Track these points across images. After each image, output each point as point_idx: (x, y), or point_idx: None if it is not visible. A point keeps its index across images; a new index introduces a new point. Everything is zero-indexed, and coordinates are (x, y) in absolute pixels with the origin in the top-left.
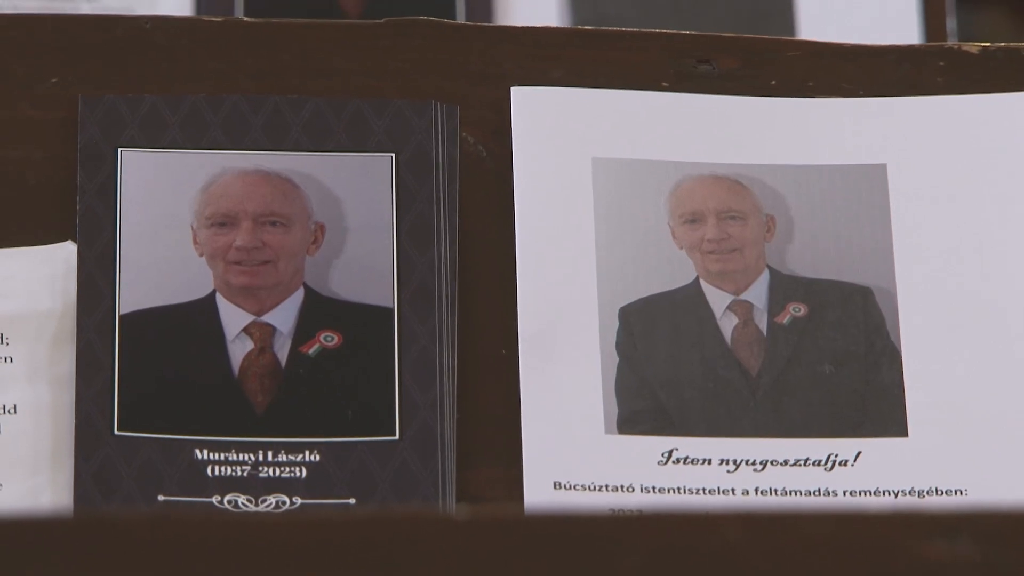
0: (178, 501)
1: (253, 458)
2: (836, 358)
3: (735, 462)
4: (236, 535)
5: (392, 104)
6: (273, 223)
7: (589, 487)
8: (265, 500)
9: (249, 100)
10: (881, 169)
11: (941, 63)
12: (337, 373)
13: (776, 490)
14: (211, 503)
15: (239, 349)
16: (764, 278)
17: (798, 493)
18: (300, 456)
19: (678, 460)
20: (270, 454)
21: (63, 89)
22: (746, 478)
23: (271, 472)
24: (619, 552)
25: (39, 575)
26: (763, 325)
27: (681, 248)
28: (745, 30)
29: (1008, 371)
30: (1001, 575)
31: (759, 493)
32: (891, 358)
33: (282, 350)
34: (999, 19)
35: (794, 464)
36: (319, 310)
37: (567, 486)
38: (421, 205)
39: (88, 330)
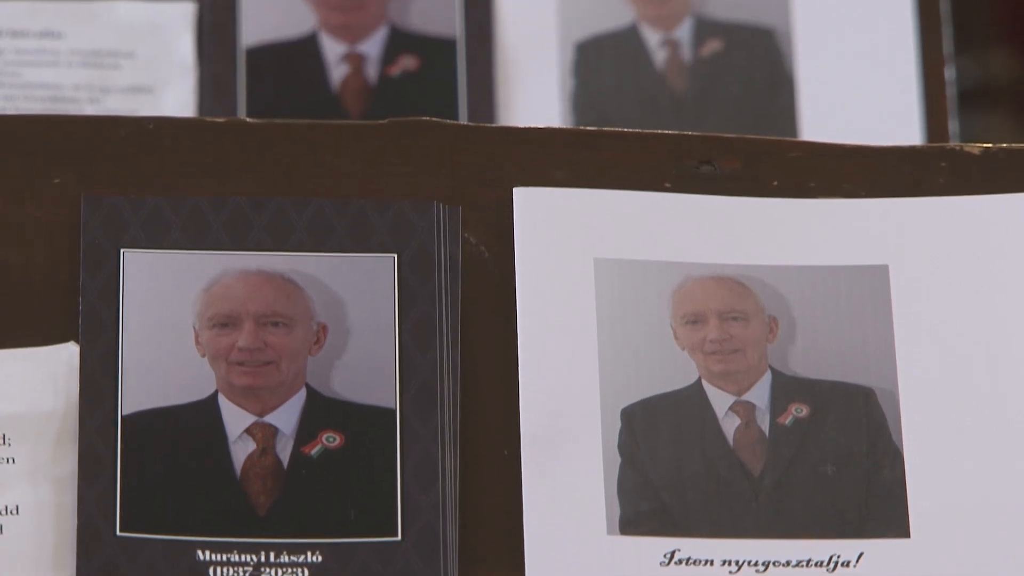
0: None
1: (255, 559)
2: (838, 459)
3: (738, 563)
4: None
5: (394, 205)
6: (275, 324)
7: None
8: None
9: (251, 201)
10: (883, 270)
11: (943, 164)
12: (339, 474)
13: None
14: None
15: (241, 450)
16: (766, 379)
17: None
18: (303, 557)
19: (680, 561)
20: (272, 555)
21: (66, 190)
22: None
23: (274, 573)
24: None
25: None
26: (765, 426)
27: (683, 348)
28: (747, 131)
29: (1011, 472)
30: None
31: None
32: (893, 459)
33: (284, 451)
34: (1001, 122)
35: (796, 565)
36: (321, 411)
37: None
38: (423, 305)
39: (90, 431)
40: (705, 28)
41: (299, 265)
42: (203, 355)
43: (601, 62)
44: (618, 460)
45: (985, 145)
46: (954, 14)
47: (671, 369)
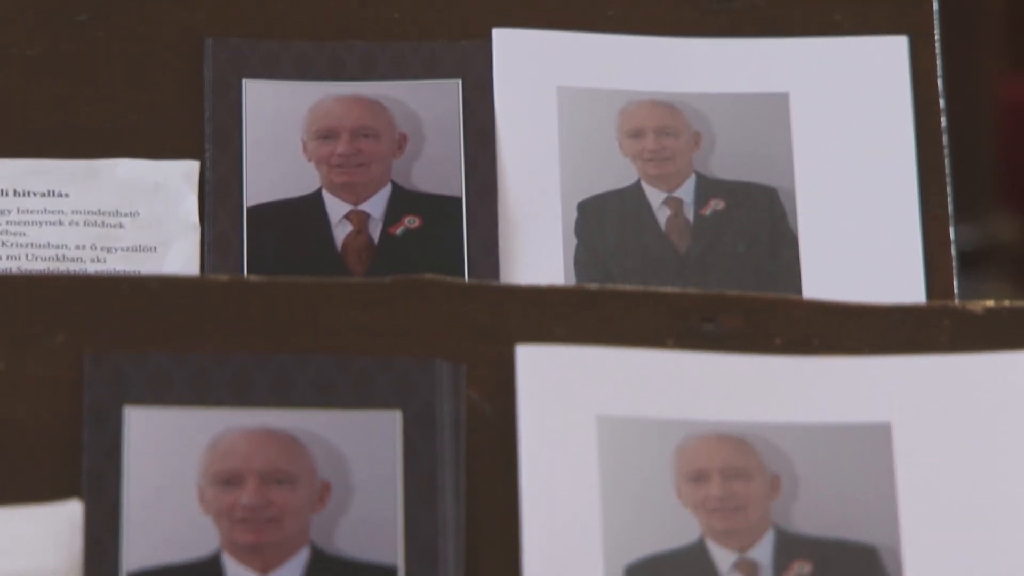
0: None
1: None
2: None
3: None
4: None
5: (398, 361)
6: (279, 481)
7: None
8: None
9: (255, 357)
10: (886, 428)
11: (946, 322)
12: None
13: None
14: None
15: None
16: (769, 536)
17: None
18: None
19: None
20: None
21: (69, 348)
22: None
23: None
24: None
25: None
26: None
27: (686, 506)
28: (750, 288)
29: None
30: None
31: None
32: None
33: None
34: (1001, 285)
35: None
36: (325, 568)
37: None
38: (427, 462)
39: None
40: (708, 187)
41: (302, 422)
42: (207, 512)
43: (603, 221)
44: None
45: (988, 303)
46: (955, 177)
47: (674, 526)
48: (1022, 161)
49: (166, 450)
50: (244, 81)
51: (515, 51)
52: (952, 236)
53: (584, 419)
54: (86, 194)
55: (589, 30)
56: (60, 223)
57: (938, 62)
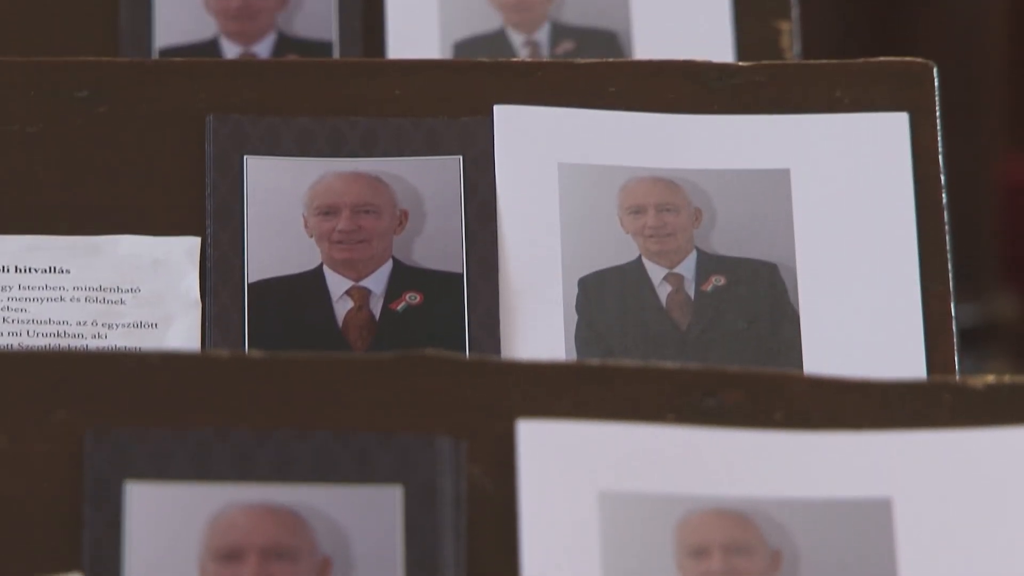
0: None
1: None
2: None
3: None
4: None
5: (399, 437)
6: (280, 556)
7: None
8: None
9: (256, 433)
10: (887, 503)
11: (947, 397)
12: None
13: None
14: None
15: None
16: None
17: None
18: None
19: None
20: None
21: (70, 424)
22: None
23: None
24: None
25: None
26: None
27: None
28: (751, 364)
29: None
30: None
31: None
32: None
33: None
34: (1001, 364)
35: None
36: None
37: None
38: (429, 538)
39: None
40: (708, 263)
41: (303, 497)
42: None
43: (604, 297)
44: None
45: (989, 379)
46: (956, 255)
47: None
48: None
49: (167, 526)
50: (245, 157)
51: (516, 127)
52: (953, 313)
53: (585, 495)
54: (87, 270)
55: (590, 106)
56: (61, 299)
57: (939, 139)
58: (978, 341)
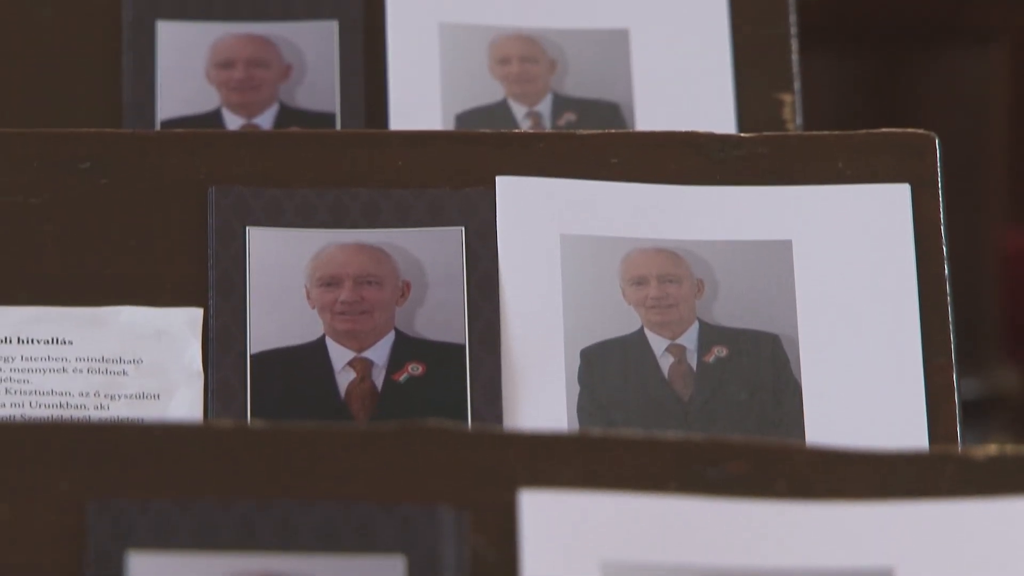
0: None
1: None
2: None
3: None
4: None
5: (401, 507)
6: None
7: None
8: None
9: (259, 503)
10: (889, 573)
11: (949, 468)
12: None
13: None
14: None
15: None
16: None
17: None
18: None
19: None
20: None
21: (73, 494)
22: None
23: None
24: None
25: None
26: None
27: None
28: (754, 435)
29: None
30: None
31: None
32: None
33: None
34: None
35: None
36: None
37: None
38: None
39: None
40: (711, 335)
41: (305, 567)
42: None
43: (607, 368)
44: None
45: (990, 450)
46: (958, 328)
47: None
48: None
49: None
50: (247, 228)
51: (518, 198)
52: (956, 385)
53: (588, 565)
54: (90, 342)
55: (592, 178)
56: (64, 370)
57: (941, 211)
58: (980, 413)
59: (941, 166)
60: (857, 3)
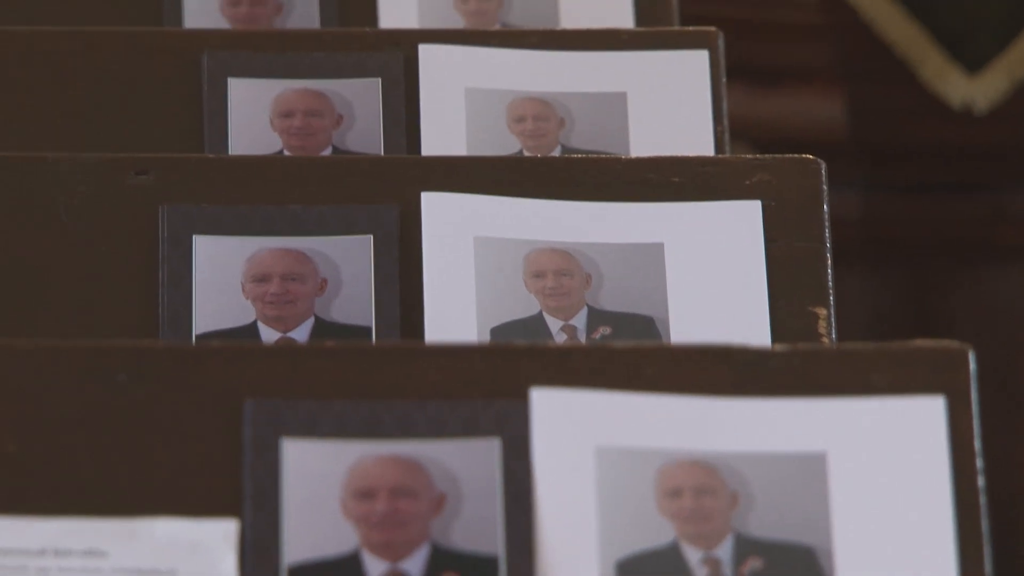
0: None
1: None
2: None
3: None
4: None
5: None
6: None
7: None
8: None
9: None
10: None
11: None
12: None
13: None
14: None
15: None
16: None
17: None
18: None
19: None
20: None
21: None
22: None
23: None
24: None
25: None
26: None
27: None
28: None
29: None
30: None
31: None
32: None
33: None
34: None
35: None
36: None
37: None
38: None
39: None
40: (746, 547)
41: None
42: None
43: None
44: None
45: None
46: (993, 539)
47: None
48: None
49: None
50: (283, 440)
51: (553, 411)
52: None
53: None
54: (125, 554)
55: (627, 389)
56: None
57: (975, 424)
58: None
59: (975, 377)
60: (893, 221)
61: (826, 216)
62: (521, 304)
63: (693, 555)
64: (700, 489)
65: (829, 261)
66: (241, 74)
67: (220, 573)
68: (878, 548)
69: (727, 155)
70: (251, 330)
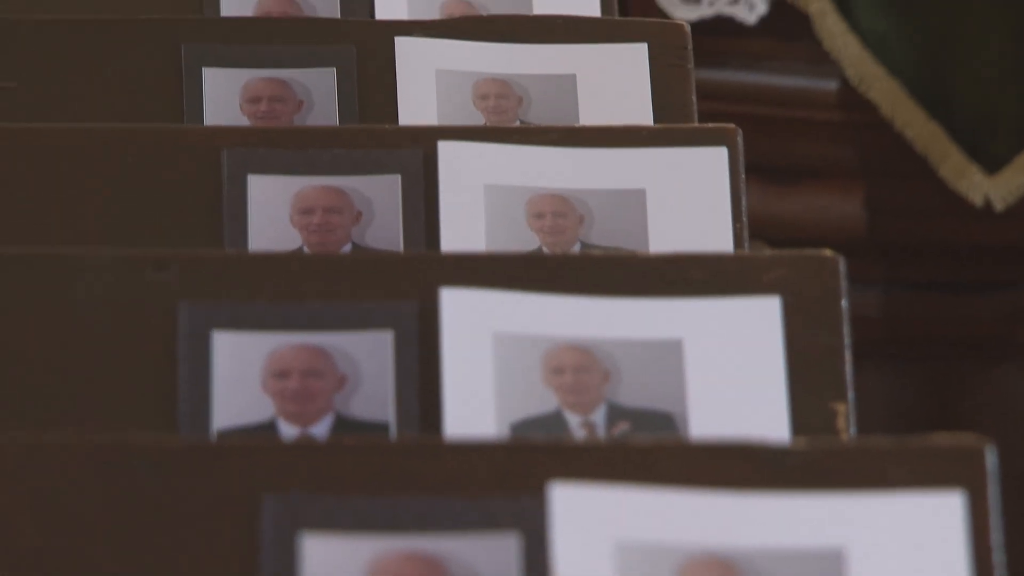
0: None
1: None
2: None
3: None
4: None
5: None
6: None
7: None
8: None
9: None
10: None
11: None
12: None
13: None
14: None
15: None
16: None
17: None
18: None
19: None
20: None
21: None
22: None
23: None
24: None
25: None
26: None
27: None
28: None
29: None
30: None
31: None
32: None
33: None
34: None
35: None
36: None
37: None
38: None
39: None
40: None
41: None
42: None
43: None
44: None
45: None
46: None
47: None
48: None
49: None
50: (301, 536)
51: (572, 505)
52: None
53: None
54: None
55: (646, 485)
56: None
57: (994, 519)
58: None
59: (995, 472)
60: (912, 318)
61: (845, 311)
62: (540, 400)
63: None
64: None
65: (848, 356)
66: (261, 171)
67: None
68: None
69: (745, 251)
70: (270, 426)
